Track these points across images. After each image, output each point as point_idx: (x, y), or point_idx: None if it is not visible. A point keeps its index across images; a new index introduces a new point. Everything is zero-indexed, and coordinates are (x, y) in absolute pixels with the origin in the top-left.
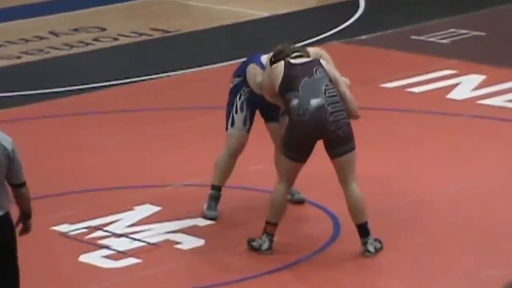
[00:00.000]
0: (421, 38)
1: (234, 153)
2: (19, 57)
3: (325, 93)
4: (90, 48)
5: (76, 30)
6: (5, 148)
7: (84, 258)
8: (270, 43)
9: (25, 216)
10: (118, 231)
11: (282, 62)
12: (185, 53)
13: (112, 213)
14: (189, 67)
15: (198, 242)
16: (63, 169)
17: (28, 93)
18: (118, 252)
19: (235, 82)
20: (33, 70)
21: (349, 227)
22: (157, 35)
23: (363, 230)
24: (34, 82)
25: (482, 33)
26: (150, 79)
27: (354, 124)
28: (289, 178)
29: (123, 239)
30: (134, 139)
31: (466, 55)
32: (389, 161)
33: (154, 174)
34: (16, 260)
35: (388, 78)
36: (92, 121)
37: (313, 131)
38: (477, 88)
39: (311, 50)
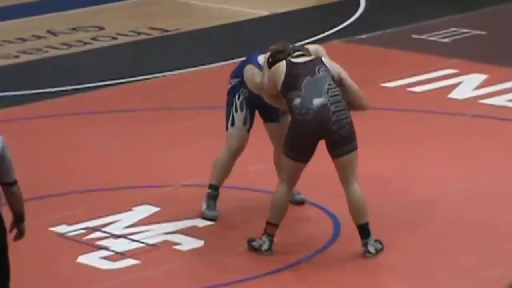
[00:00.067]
0: (422, 37)
1: (235, 153)
2: (17, 57)
3: (327, 92)
4: (88, 47)
5: (74, 29)
6: None
7: (82, 259)
8: (269, 42)
9: (18, 219)
10: (117, 232)
11: (284, 62)
12: (184, 53)
13: (111, 214)
14: (188, 67)
15: (197, 243)
16: (61, 170)
17: (26, 92)
18: (117, 253)
19: (233, 83)
20: (31, 70)
21: (349, 228)
22: (155, 34)
23: (363, 231)
24: (32, 82)
25: (483, 32)
26: (149, 78)
27: (354, 123)
28: (291, 178)
29: (121, 240)
30: (133, 139)
31: (467, 54)
32: (390, 161)
33: (152, 174)
34: (7, 261)
35: (389, 78)
36: (90, 121)
37: (316, 130)
38: (479, 87)
39: (310, 47)
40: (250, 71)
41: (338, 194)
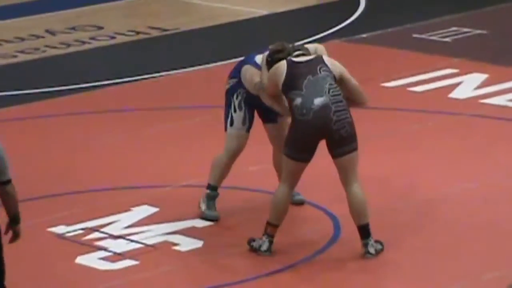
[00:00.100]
0: (423, 36)
1: (233, 154)
2: (15, 56)
3: (329, 92)
4: (87, 47)
5: (73, 28)
6: None
7: (80, 260)
8: (269, 42)
9: (13, 220)
10: (115, 233)
11: (284, 61)
12: (184, 52)
13: (109, 214)
14: (188, 66)
15: (196, 243)
16: (59, 170)
17: (24, 92)
18: (115, 253)
19: (230, 84)
20: (30, 69)
21: (349, 228)
22: (154, 33)
23: (364, 232)
24: (30, 82)
25: (485, 32)
26: (148, 78)
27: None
28: (292, 179)
29: (120, 240)
30: (132, 138)
31: (468, 54)
32: (390, 161)
33: (151, 174)
34: (2, 261)
35: (389, 77)
36: (88, 120)
37: (316, 130)
38: (479, 87)
39: (309, 46)
40: (248, 71)
41: (338, 194)
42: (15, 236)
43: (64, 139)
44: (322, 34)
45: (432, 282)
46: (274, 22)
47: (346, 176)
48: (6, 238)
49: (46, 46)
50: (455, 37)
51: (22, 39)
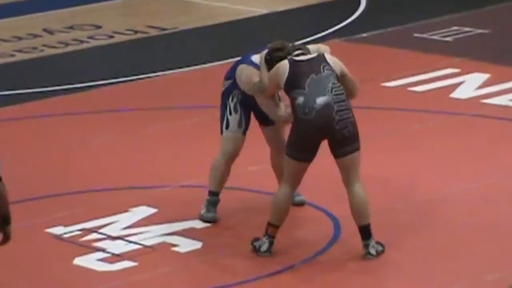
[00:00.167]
0: (424, 36)
1: (230, 157)
2: (12, 56)
3: (331, 91)
4: (85, 46)
5: (71, 27)
6: None
7: (78, 261)
8: (269, 41)
9: (4, 220)
10: (114, 234)
11: (286, 60)
12: (182, 51)
13: (108, 215)
14: (187, 65)
15: (195, 244)
16: (57, 170)
17: (21, 92)
18: (114, 255)
19: (226, 85)
20: (27, 69)
21: (350, 229)
22: (153, 32)
23: (365, 232)
24: (28, 81)
25: (486, 31)
26: (147, 77)
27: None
28: (294, 179)
29: (118, 241)
30: (130, 138)
31: (470, 53)
32: (391, 161)
33: (150, 175)
34: None
35: (390, 77)
36: (87, 120)
37: (318, 130)
38: (481, 87)
39: (311, 47)
40: (243, 70)
41: (338, 195)
42: (6, 238)
43: (62, 139)
44: (322, 33)
45: (433, 283)
46: (274, 21)
47: (348, 176)
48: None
49: (44, 45)
50: (456, 36)
51: (20, 38)
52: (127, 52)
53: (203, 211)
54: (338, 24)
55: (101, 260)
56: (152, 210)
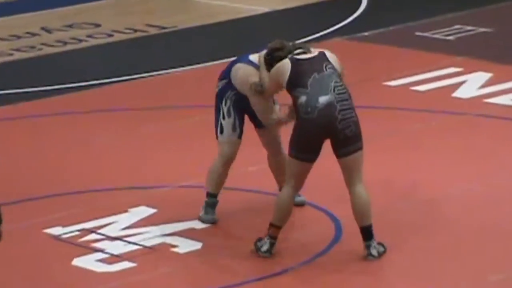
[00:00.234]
0: (426, 34)
1: (227, 160)
2: (10, 54)
3: (334, 90)
4: (84, 45)
5: (69, 26)
6: None
7: (77, 262)
8: (270, 40)
9: None
10: (113, 234)
11: (287, 59)
12: (182, 50)
13: (107, 216)
14: (186, 64)
15: (195, 245)
16: (55, 170)
17: (20, 91)
18: (113, 255)
19: (220, 86)
20: (25, 68)
21: (351, 230)
22: (153, 31)
23: (366, 233)
24: (26, 80)
25: (489, 30)
26: (146, 76)
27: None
28: (296, 180)
29: (117, 242)
30: (129, 138)
31: (472, 52)
32: (393, 161)
33: (149, 174)
34: None
35: (392, 76)
36: (86, 120)
37: (321, 129)
38: (484, 86)
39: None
40: (240, 69)
41: (339, 195)
42: None
43: (61, 139)
44: (323, 32)
45: (435, 285)
46: (274, 20)
47: (350, 176)
48: (3, 244)
49: (42, 44)
50: (459, 35)
51: (18, 37)
52: (126, 51)
53: (201, 213)
54: (340, 22)
55: (100, 260)
56: (152, 211)
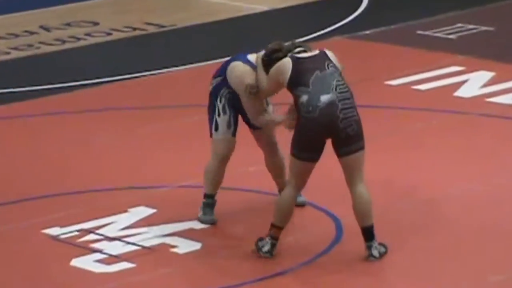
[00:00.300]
0: (427, 33)
1: (222, 159)
2: (8, 53)
3: (336, 89)
4: (82, 43)
5: (68, 24)
6: None
7: (75, 262)
8: (270, 39)
9: None
10: (111, 234)
11: (288, 58)
12: (181, 49)
13: (105, 216)
14: (186, 63)
15: (195, 245)
16: (53, 170)
17: (18, 90)
18: (111, 256)
19: (214, 84)
20: (23, 66)
21: (352, 230)
22: (151, 30)
23: (368, 234)
24: (24, 79)
25: (491, 28)
26: (145, 75)
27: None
28: (298, 180)
29: (116, 242)
30: (128, 137)
31: (474, 51)
32: (394, 160)
33: (148, 174)
34: None
35: (393, 75)
36: (84, 119)
37: (322, 128)
38: (486, 85)
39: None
40: (237, 67)
41: (339, 195)
42: None
43: (60, 138)
44: (324, 31)
45: (436, 285)
46: (274, 19)
47: (351, 176)
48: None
49: (41, 42)
50: (461, 34)
51: (16, 36)
52: (125, 49)
53: (200, 214)
54: (340, 21)
55: (99, 261)
56: (151, 211)
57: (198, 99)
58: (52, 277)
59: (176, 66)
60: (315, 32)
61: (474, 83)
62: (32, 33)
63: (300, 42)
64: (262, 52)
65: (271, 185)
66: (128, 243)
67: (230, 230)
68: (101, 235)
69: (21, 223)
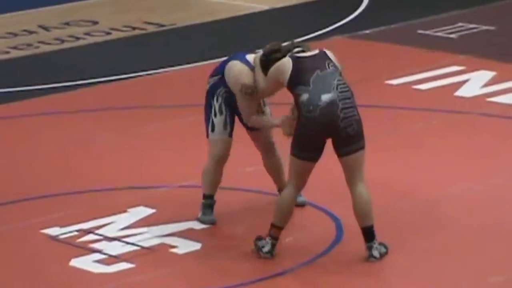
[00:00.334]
0: (428, 32)
1: (219, 160)
2: (7, 52)
3: (337, 88)
4: (81, 42)
5: (67, 24)
6: None
7: (75, 262)
8: (270, 38)
9: None
10: (111, 235)
11: (288, 58)
12: (181, 48)
13: (104, 216)
14: (185, 63)
15: (194, 245)
16: (53, 170)
17: (17, 89)
18: (111, 256)
19: (211, 82)
20: (22, 66)
21: (352, 230)
22: (151, 29)
23: (368, 234)
24: (23, 78)
25: (492, 28)
26: (144, 75)
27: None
28: (298, 180)
29: (115, 242)
30: (127, 137)
31: (475, 51)
32: (394, 160)
33: (148, 174)
34: None
35: (394, 74)
36: (83, 119)
37: (323, 127)
38: (487, 85)
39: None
40: (236, 66)
41: (340, 195)
42: None
43: (58, 138)
44: (324, 30)
45: (436, 285)
46: (274, 18)
47: (352, 175)
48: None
49: (40, 41)
50: (461, 33)
51: (15, 35)
52: (124, 49)
53: (199, 214)
54: (341, 20)
55: (98, 261)
56: (150, 211)
57: (198, 98)
58: (51, 277)
59: (176, 65)
60: (315, 31)
61: (475, 82)
62: (31, 32)
63: (299, 42)
64: (260, 53)
65: (271, 185)
66: (128, 243)
67: (230, 230)
68: (101, 235)
69: (20, 223)
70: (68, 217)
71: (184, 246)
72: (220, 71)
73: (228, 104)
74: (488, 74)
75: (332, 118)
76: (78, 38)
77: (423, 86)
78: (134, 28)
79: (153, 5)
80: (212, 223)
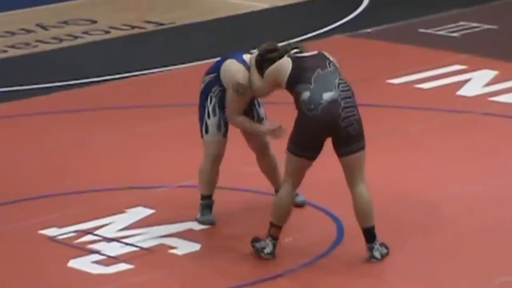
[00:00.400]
0: (430, 31)
1: (214, 160)
2: (5, 51)
3: (338, 87)
4: (80, 41)
5: (65, 22)
6: None
7: (73, 263)
8: (270, 37)
9: None
10: (109, 235)
11: (286, 58)
12: (180, 47)
13: (103, 216)
14: (185, 62)
15: (194, 246)
16: (51, 170)
17: (15, 88)
18: (109, 257)
19: (206, 81)
20: (20, 65)
21: (352, 231)
22: (150, 28)
23: (369, 235)
24: (20, 77)
25: (494, 26)
26: (144, 74)
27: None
28: (295, 177)
29: (114, 243)
30: (127, 137)
31: (477, 50)
32: (395, 160)
33: (147, 174)
34: None
35: (395, 74)
36: (82, 118)
37: (324, 126)
38: (489, 84)
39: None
40: (232, 64)
41: (340, 195)
42: None
43: (57, 138)
44: (325, 29)
45: (436, 285)
46: (275, 17)
47: (352, 176)
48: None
49: (38, 40)
50: (463, 32)
51: (13, 34)
52: (124, 48)
53: (198, 215)
54: (341, 19)
55: (96, 262)
56: (149, 211)
57: (197, 98)
58: (50, 278)
59: (175, 64)
60: (315, 30)
61: (477, 82)
62: (29, 31)
63: (295, 43)
64: (256, 53)
65: (270, 185)
66: (127, 244)
67: (230, 231)
68: (99, 236)
69: (19, 223)
70: (67, 218)
71: (184, 247)
72: (216, 69)
73: (221, 105)
74: (490, 73)
75: (333, 117)
76: (76, 37)
77: (424, 85)
78: (133, 27)
79: (152, 4)
80: (211, 223)
